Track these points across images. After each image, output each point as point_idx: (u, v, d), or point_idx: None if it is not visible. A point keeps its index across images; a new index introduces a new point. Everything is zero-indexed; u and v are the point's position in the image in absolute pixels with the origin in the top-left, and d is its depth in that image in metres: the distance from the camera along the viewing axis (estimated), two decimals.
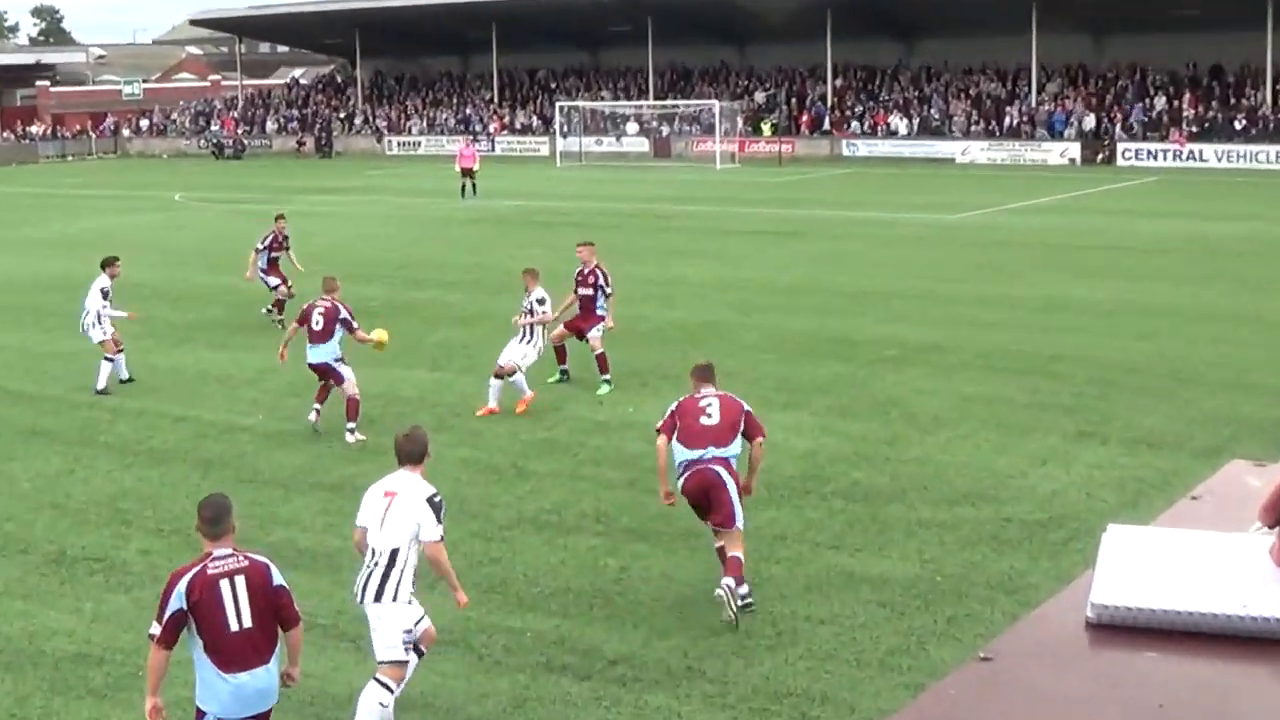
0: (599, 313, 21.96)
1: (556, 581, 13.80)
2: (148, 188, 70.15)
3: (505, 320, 22.13)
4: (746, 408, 13.21)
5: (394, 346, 25.08)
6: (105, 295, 23.27)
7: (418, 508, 10.39)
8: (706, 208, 51.55)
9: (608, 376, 21.88)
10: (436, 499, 10.51)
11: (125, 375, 23.30)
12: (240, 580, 8.86)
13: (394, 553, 10.30)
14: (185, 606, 8.76)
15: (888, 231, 42.92)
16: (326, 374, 19.55)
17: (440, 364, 24.26)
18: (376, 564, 10.37)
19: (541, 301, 20.67)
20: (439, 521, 10.42)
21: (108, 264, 23.60)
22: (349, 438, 19.13)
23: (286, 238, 29.19)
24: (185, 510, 16.04)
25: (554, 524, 15.57)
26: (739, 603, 12.50)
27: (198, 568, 8.87)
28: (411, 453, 10.68)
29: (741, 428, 13.02)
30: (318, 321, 19.49)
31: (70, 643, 12.63)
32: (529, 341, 20.58)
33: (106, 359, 22.97)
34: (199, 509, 9.12)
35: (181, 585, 8.78)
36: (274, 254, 28.85)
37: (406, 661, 10.46)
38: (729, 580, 12.51)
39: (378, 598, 10.30)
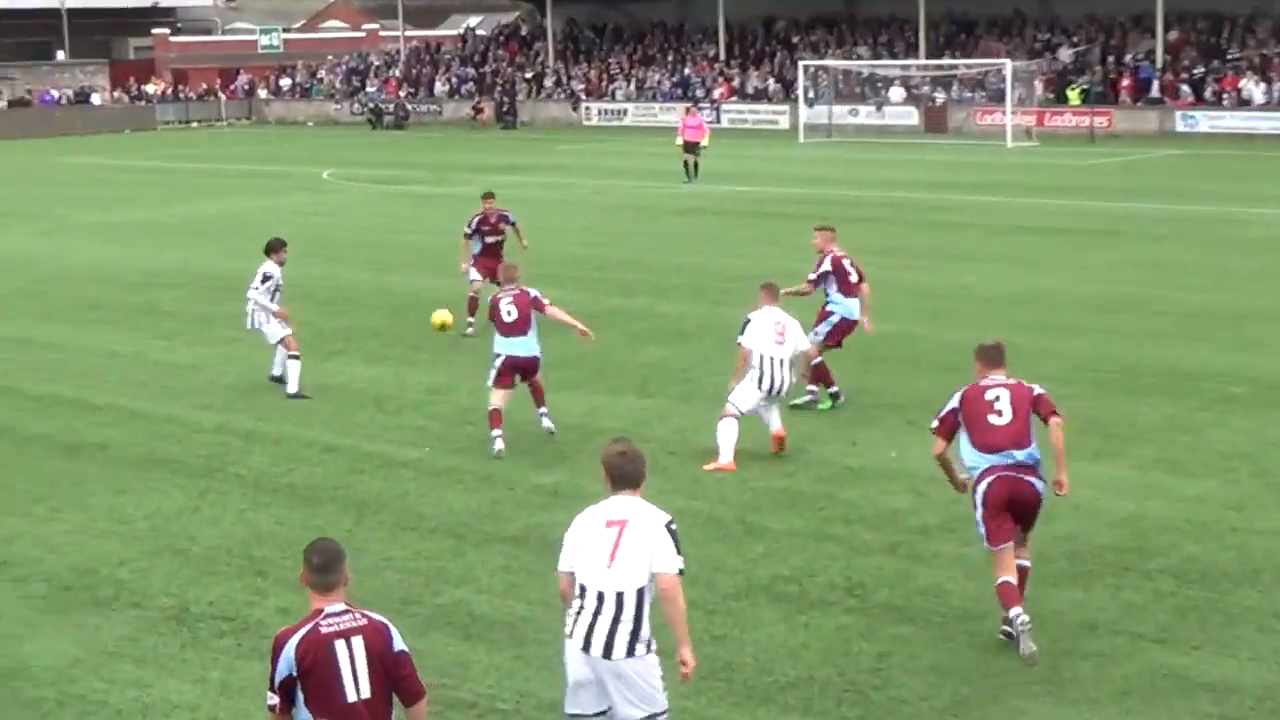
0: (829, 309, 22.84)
1: (796, 669, 13.84)
2: (288, 162, 72.00)
3: (731, 336, 21.99)
4: (1036, 391, 14.38)
5: (594, 367, 25.54)
6: (265, 280, 24.42)
7: (655, 535, 10.59)
8: (994, 197, 51.17)
9: (834, 389, 22.73)
10: (673, 526, 10.70)
11: (277, 372, 24.84)
12: (358, 642, 9.13)
13: (639, 593, 10.52)
14: (295, 672, 9.05)
15: (1237, 232, 42.15)
16: (534, 370, 21.05)
17: (650, 389, 24.50)
18: (612, 609, 10.52)
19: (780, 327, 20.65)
20: (679, 552, 10.63)
21: (274, 249, 24.90)
22: (545, 423, 21.30)
23: (503, 219, 30.01)
24: None
25: (793, 596, 15.61)
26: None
27: (308, 627, 9.16)
28: (632, 474, 10.83)
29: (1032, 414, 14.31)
30: (509, 313, 20.92)
31: (192, 719, 13.05)
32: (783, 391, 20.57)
33: (293, 357, 24.25)
34: (306, 554, 9.39)
35: (290, 648, 9.08)
36: (487, 239, 29.58)
37: (667, 710, 10.74)
38: (1020, 613, 13.60)
39: (630, 651, 10.49)
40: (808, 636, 14.56)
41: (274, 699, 9.15)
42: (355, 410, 23.46)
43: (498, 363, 20.97)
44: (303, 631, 9.13)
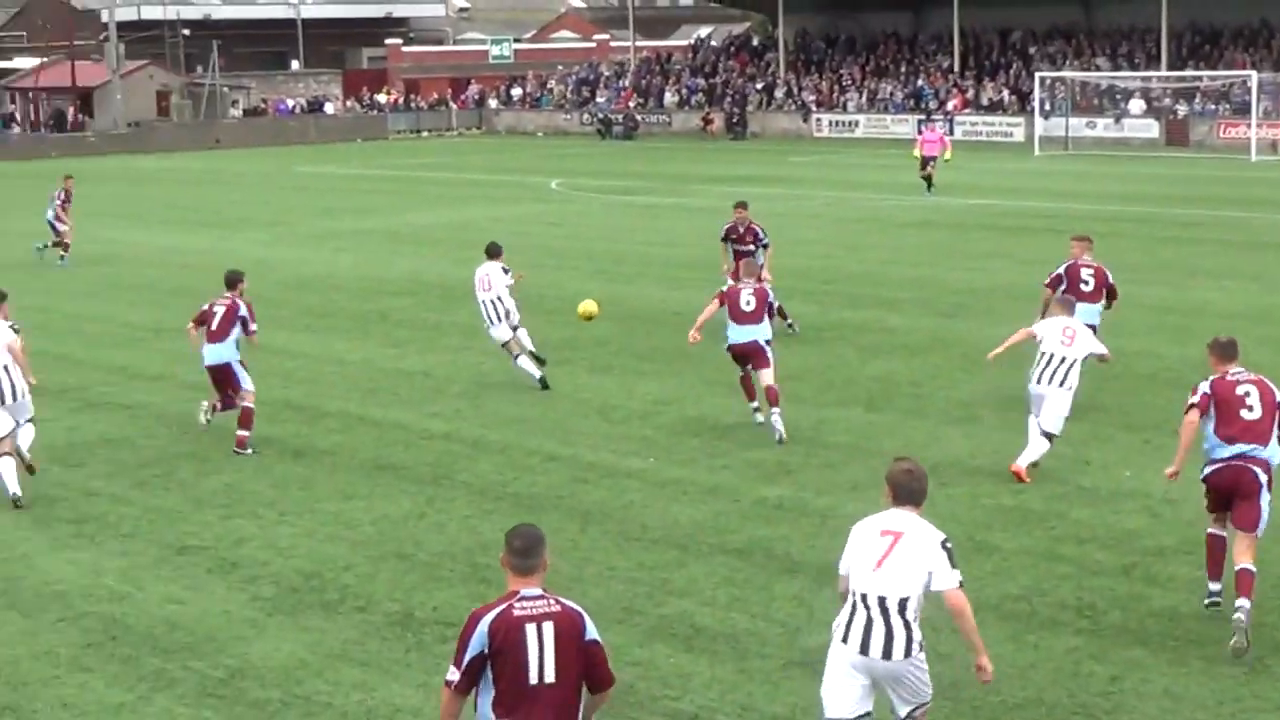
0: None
1: (1025, 690, 13.71)
2: (518, 172, 72.78)
3: (963, 350, 22.10)
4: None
5: (821, 380, 25.54)
6: (506, 272, 25.92)
7: (931, 552, 11.03)
8: (1238, 212, 50.26)
9: None
10: (949, 544, 11.13)
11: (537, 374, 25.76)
12: (549, 627, 9.38)
13: (903, 601, 10.96)
14: (487, 650, 9.34)
15: None
16: (757, 355, 22.13)
17: (878, 403, 24.41)
18: (880, 613, 10.97)
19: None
20: (954, 566, 11.08)
21: (496, 253, 26.30)
22: (776, 424, 21.95)
23: (752, 233, 30.59)
24: (555, 570, 16.61)
25: (1023, 615, 15.47)
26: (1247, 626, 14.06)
27: (502, 607, 9.43)
28: (916, 491, 11.30)
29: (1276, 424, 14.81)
30: (748, 303, 22.37)
31: None
32: (1064, 384, 20.39)
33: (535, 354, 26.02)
34: (508, 538, 9.65)
35: (484, 625, 9.36)
36: (735, 248, 30.30)
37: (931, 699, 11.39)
38: (1244, 602, 14.13)
39: (907, 653, 10.97)
40: (1036, 657, 14.41)
41: (455, 674, 9.41)
42: (580, 420, 23.65)
43: (726, 346, 22.74)
44: (497, 611, 9.39)
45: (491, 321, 25.69)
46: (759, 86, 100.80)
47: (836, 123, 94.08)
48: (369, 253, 44.13)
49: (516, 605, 9.40)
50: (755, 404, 22.79)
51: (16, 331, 20.63)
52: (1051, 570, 16.69)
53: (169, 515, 19.22)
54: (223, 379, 22.46)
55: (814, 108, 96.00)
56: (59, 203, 43.24)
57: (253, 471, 21.16)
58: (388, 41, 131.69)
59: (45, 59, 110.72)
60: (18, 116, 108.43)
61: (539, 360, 26.20)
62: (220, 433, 23.23)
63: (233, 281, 22.97)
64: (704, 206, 52.72)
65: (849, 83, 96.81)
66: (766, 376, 22.12)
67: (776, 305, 24.10)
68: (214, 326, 22.32)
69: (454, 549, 17.70)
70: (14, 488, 19.60)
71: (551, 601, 9.47)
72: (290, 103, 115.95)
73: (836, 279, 37.22)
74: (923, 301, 33.67)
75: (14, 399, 19.95)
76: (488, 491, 19.89)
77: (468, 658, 9.37)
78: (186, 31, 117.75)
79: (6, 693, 13.87)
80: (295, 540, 18.14)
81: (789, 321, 29.44)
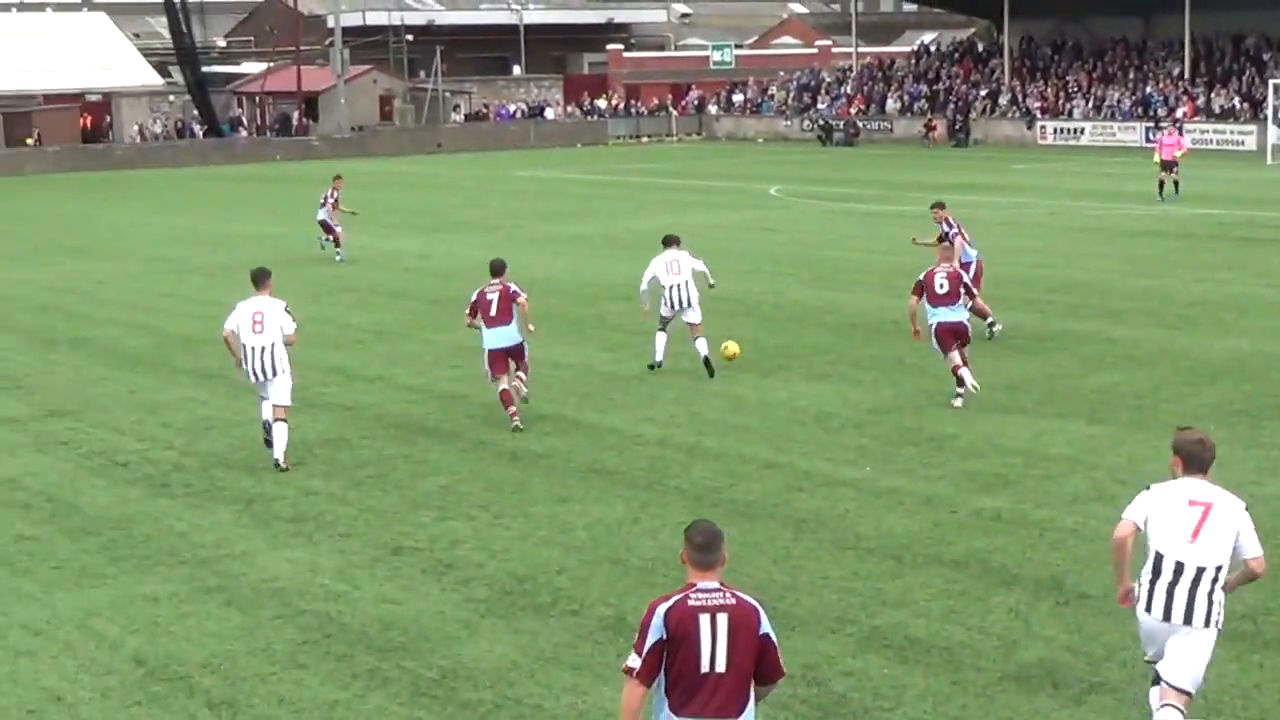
0: None
1: (1248, 710, 13.44)
2: (737, 178, 72.88)
3: (1189, 364, 21.77)
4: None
5: (1042, 391, 25.31)
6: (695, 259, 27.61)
7: (1241, 520, 11.79)
8: None
9: None
10: (1248, 510, 11.90)
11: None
12: (722, 619, 9.69)
13: (1218, 570, 11.73)
14: (665, 637, 9.69)
15: None
16: (963, 332, 24.42)
17: (1100, 415, 24.07)
18: (1189, 580, 11.68)
19: None
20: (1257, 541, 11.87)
21: (679, 242, 27.77)
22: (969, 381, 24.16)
23: (947, 232, 30.88)
24: (769, 579, 16.65)
25: (1247, 634, 15.15)
26: None
27: (678, 597, 9.76)
28: (1207, 460, 12.02)
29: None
30: (942, 285, 24.47)
31: None
32: None
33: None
34: (688, 534, 9.96)
35: (660, 614, 9.70)
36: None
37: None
38: None
39: (1207, 621, 11.72)
40: (1261, 677, 14.12)
41: (635, 661, 9.72)
42: (796, 427, 23.62)
43: (931, 331, 24.62)
44: (673, 601, 9.73)
45: (674, 305, 27.08)
46: (983, 93, 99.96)
47: (1061, 130, 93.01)
48: (587, 257, 44.44)
49: (692, 596, 9.71)
50: (960, 391, 24.31)
51: (289, 313, 22.19)
52: (1278, 589, 16.34)
53: (385, 516, 19.51)
54: (515, 355, 24.04)
55: (1038, 115, 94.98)
56: (330, 203, 45.00)
57: (468, 474, 21.39)
58: (609, 47, 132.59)
59: (272, 64, 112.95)
60: (244, 120, 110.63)
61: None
62: (439, 435, 23.62)
63: (499, 269, 24.49)
64: (924, 214, 52.07)
65: (1075, 89, 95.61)
66: (966, 354, 24.58)
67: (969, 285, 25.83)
68: (493, 313, 23.78)
69: (667, 555, 17.71)
70: (278, 452, 21.80)
71: (727, 594, 9.76)
72: (511, 108, 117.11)
73: (1059, 288, 36.77)
74: (1148, 312, 33.15)
75: (269, 377, 21.85)
76: (702, 498, 19.90)
77: (648, 645, 9.68)
78: (410, 37, 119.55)
79: (224, 688, 14.15)
80: (509, 543, 18.31)
81: (990, 321, 29.49)
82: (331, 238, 45.12)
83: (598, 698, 13.79)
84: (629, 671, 9.78)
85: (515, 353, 24.05)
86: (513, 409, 23.80)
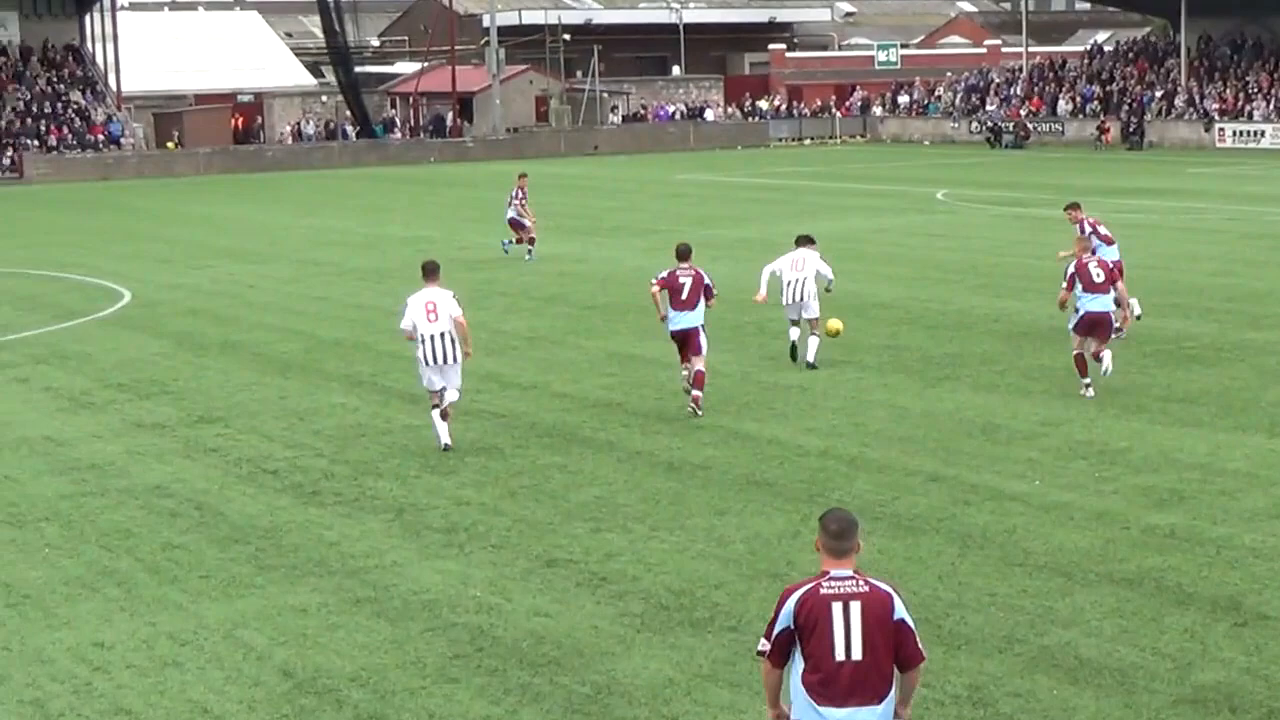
0: None
1: None
2: (902, 182, 72.58)
3: None
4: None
5: (1218, 404, 24.98)
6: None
7: None
8: None
9: None
10: None
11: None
12: (855, 606, 9.94)
13: None
14: (792, 625, 10.02)
15: None
16: (1103, 324, 25.47)
17: None
18: None
19: None
20: None
21: (805, 242, 29.22)
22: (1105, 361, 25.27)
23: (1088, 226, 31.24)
24: (934, 595, 16.52)
25: None
26: None
27: (810, 585, 10.05)
28: None
29: None
30: (1098, 275, 25.42)
31: None
32: None
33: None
34: (823, 522, 10.23)
35: (791, 602, 10.04)
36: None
37: None
38: None
39: None
40: None
41: (765, 645, 10.19)
42: (963, 439, 23.44)
43: (1077, 317, 25.67)
44: (805, 589, 10.03)
45: (792, 299, 28.47)
46: (1158, 94, 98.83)
47: (1241, 133, 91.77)
48: (746, 262, 44.21)
49: (824, 584, 9.97)
50: (1087, 380, 25.47)
51: (457, 301, 23.63)
52: None
53: (538, 527, 19.56)
54: (689, 341, 25.13)
55: (1217, 117, 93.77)
56: (518, 200, 46.16)
57: (623, 484, 21.40)
58: (771, 47, 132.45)
59: (426, 64, 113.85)
60: (398, 121, 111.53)
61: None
62: (593, 444, 23.67)
63: (686, 252, 25.68)
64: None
65: (1255, 90, 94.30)
66: (1100, 348, 25.38)
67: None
68: (684, 296, 25.10)
69: None
70: (445, 438, 23.36)
71: (861, 582, 9.99)
72: (670, 109, 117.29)
73: (1237, 297, 36.23)
74: None
75: (447, 362, 23.23)
76: (865, 511, 19.71)
77: (776, 631, 10.08)
78: (567, 36, 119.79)
79: (374, 701, 14.23)
80: (665, 556, 18.29)
81: (1138, 314, 30.52)
82: (522, 237, 46.31)
83: (756, 716, 13.71)
84: (761, 654, 10.25)
85: (690, 336, 25.09)
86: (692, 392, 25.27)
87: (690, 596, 16.86)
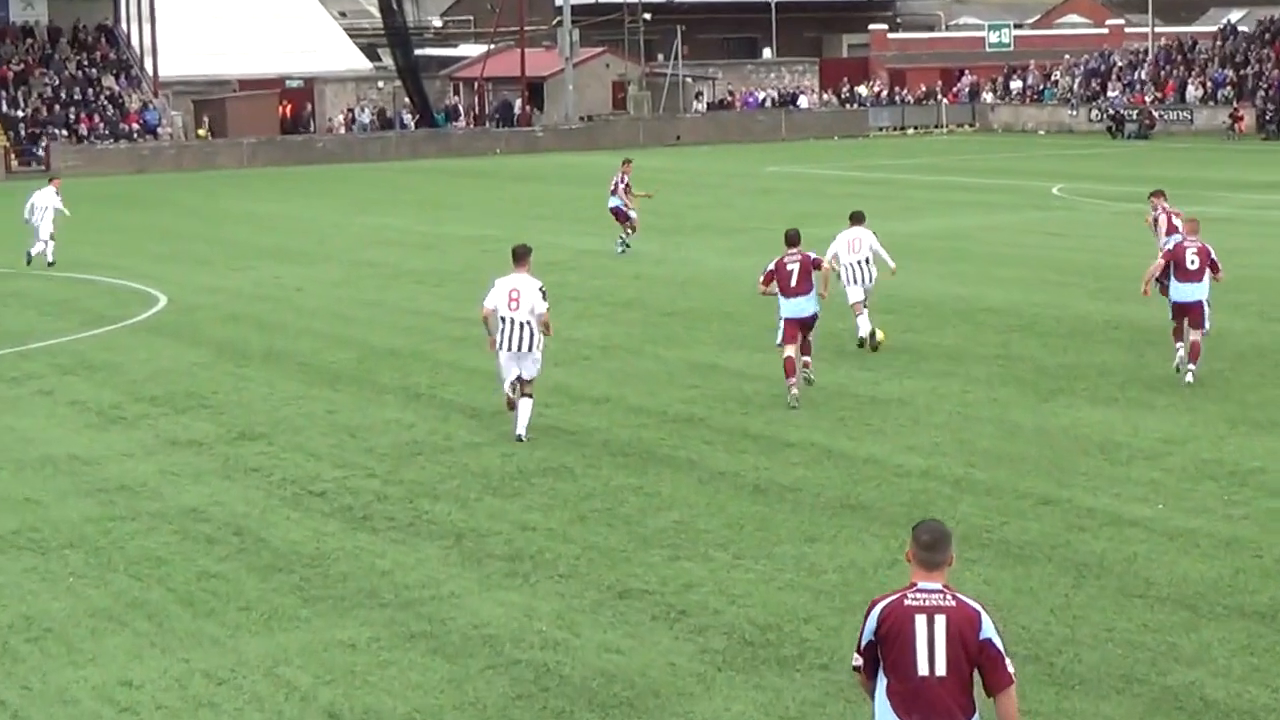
0: None
1: None
2: (1015, 175, 72.44)
3: None
4: None
5: None
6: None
7: None
8: None
9: None
10: None
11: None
12: (940, 620, 10.34)
13: None
14: (875, 637, 10.52)
15: None
16: (1191, 312, 27.04)
17: None
18: None
19: None
20: None
21: (864, 219, 31.85)
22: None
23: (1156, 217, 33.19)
24: (1046, 630, 16.46)
25: None
26: None
27: (895, 596, 10.53)
28: None
29: None
30: (1193, 261, 27.09)
31: None
32: None
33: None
34: (915, 532, 10.66)
35: (876, 613, 10.54)
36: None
37: None
38: None
39: None
40: None
41: (857, 660, 10.71)
42: (1079, 458, 23.35)
43: (1169, 303, 27.82)
44: (890, 600, 10.50)
45: (850, 282, 30.94)
46: None
47: None
48: None
49: (909, 595, 10.41)
50: (1191, 366, 27.13)
51: (543, 294, 24.70)
52: None
53: (610, 554, 19.57)
54: (808, 327, 27.10)
55: None
56: (622, 188, 47.98)
57: (704, 508, 21.39)
58: (871, 27, 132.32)
59: (492, 46, 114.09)
60: (461, 109, 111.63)
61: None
62: (672, 463, 23.66)
63: (795, 238, 27.35)
64: (1227, 216, 51.59)
65: None
66: (1196, 334, 27.08)
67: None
68: (794, 283, 26.73)
69: None
70: (520, 428, 24.89)
71: (949, 596, 10.39)
72: (760, 95, 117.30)
73: None
74: None
75: (523, 350, 24.52)
76: (970, 537, 19.69)
77: (863, 643, 10.58)
78: (647, 16, 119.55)
79: None
80: (750, 587, 18.28)
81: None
82: (627, 225, 47.92)
83: None
84: (856, 669, 10.76)
85: (809, 324, 26.98)
86: (793, 380, 26.56)
87: (777, 631, 16.87)
